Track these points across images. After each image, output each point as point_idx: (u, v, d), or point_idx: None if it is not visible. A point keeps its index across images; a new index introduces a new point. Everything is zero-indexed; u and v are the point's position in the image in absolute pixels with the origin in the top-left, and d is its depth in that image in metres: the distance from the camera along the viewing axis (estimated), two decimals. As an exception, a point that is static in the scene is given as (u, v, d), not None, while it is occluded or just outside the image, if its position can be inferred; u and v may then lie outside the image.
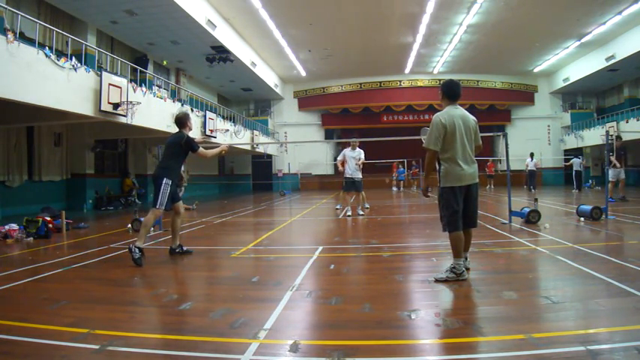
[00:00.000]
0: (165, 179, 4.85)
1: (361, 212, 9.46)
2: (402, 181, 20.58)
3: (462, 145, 3.62)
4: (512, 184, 8.28)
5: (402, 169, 21.16)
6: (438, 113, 3.71)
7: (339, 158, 9.54)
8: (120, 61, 12.17)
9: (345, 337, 2.49)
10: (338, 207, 10.17)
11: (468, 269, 3.93)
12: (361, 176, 9.31)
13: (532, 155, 18.33)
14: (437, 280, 3.58)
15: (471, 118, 3.80)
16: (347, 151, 9.38)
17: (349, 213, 9.36)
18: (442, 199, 3.71)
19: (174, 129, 5.32)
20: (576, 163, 17.99)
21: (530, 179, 17.90)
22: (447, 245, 4.79)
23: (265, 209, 12.75)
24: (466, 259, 3.98)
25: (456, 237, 3.63)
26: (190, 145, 5.06)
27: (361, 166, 9.31)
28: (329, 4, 15.21)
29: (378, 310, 2.95)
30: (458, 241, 3.62)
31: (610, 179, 10.52)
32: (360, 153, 9.30)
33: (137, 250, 4.53)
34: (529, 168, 18.01)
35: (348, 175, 9.22)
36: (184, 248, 5.21)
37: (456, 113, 3.68)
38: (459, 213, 3.65)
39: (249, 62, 18.97)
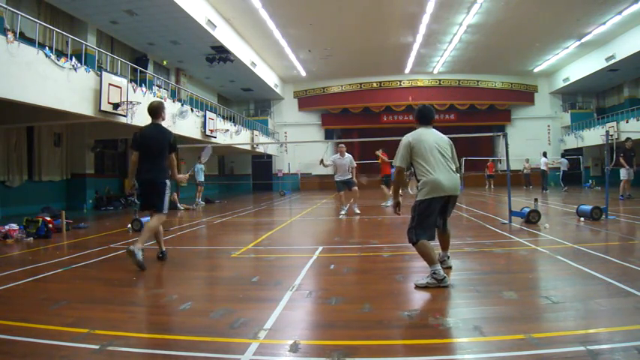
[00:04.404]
0: (167, 182, 4.62)
1: (357, 211, 9.59)
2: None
3: (435, 156, 3.61)
4: (513, 184, 8.29)
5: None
6: (408, 134, 3.81)
7: (327, 163, 9.64)
8: (120, 61, 12.18)
9: (345, 337, 2.49)
10: (342, 212, 9.92)
11: (450, 268, 3.97)
12: (352, 176, 9.59)
13: (545, 154, 18.31)
14: (417, 286, 3.45)
15: (445, 137, 3.85)
16: (336, 158, 9.58)
17: (343, 212, 9.50)
18: (416, 210, 3.61)
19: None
20: (564, 163, 18.30)
21: (543, 179, 17.76)
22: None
23: (265, 209, 12.75)
24: (448, 257, 4.04)
25: (422, 246, 3.52)
26: (175, 147, 4.67)
27: (354, 171, 9.65)
28: (329, 4, 15.21)
29: (378, 310, 2.95)
30: (426, 250, 3.50)
31: (622, 178, 11.38)
32: (350, 160, 9.50)
33: (140, 253, 4.21)
34: (541, 167, 17.89)
35: (338, 179, 9.56)
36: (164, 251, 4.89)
37: (426, 132, 3.77)
38: (430, 226, 3.58)
39: (249, 62, 18.98)
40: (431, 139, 3.69)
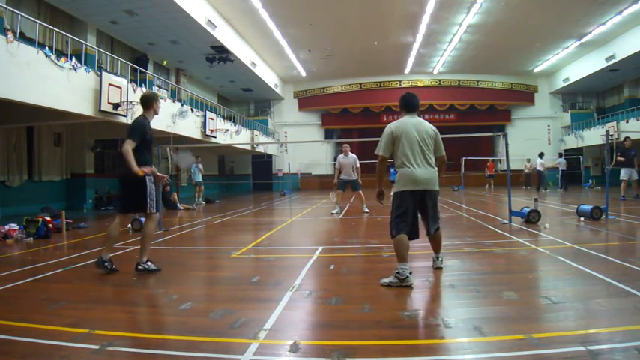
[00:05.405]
0: (147, 178, 4.13)
1: (366, 210, 9.60)
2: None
3: (414, 150, 3.61)
4: (513, 184, 8.29)
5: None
6: (391, 122, 3.82)
7: (337, 167, 9.74)
8: (120, 61, 12.18)
9: (345, 337, 2.49)
10: (335, 211, 10.04)
11: (439, 268, 3.98)
12: (357, 177, 9.57)
13: (541, 155, 18.32)
14: (382, 285, 3.50)
15: (429, 126, 3.79)
16: (340, 158, 9.60)
17: (335, 212, 9.64)
18: (393, 204, 3.67)
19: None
20: (562, 163, 18.32)
21: (540, 179, 17.77)
22: (447, 245, 4.80)
23: (265, 209, 12.75)
24: (437, 258, 4.04)
25: (398, 241, 3.53)
26: (127, 132, 4.10)
27: (358, 171, 9.63)
28: (329, 4, 15.21)
29: (377, 310, 2.95)
30: (400, 246, 3.51)
31: (622, 178, 11.22)
32: (354, 159, 9.49)
33: (150, 264, 4.15)
34: (537, 168, 17.90)
35: (343, 178, 9.57)
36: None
37: (410, 121, 3.74)
38: (407, 218, 3.56)
39: (249, 62, 18.98)
40: (414, 130, 3.67)
